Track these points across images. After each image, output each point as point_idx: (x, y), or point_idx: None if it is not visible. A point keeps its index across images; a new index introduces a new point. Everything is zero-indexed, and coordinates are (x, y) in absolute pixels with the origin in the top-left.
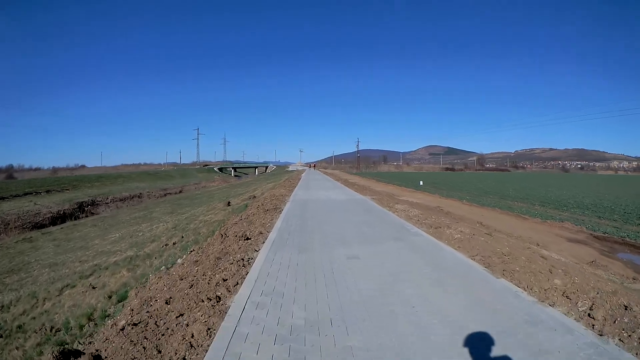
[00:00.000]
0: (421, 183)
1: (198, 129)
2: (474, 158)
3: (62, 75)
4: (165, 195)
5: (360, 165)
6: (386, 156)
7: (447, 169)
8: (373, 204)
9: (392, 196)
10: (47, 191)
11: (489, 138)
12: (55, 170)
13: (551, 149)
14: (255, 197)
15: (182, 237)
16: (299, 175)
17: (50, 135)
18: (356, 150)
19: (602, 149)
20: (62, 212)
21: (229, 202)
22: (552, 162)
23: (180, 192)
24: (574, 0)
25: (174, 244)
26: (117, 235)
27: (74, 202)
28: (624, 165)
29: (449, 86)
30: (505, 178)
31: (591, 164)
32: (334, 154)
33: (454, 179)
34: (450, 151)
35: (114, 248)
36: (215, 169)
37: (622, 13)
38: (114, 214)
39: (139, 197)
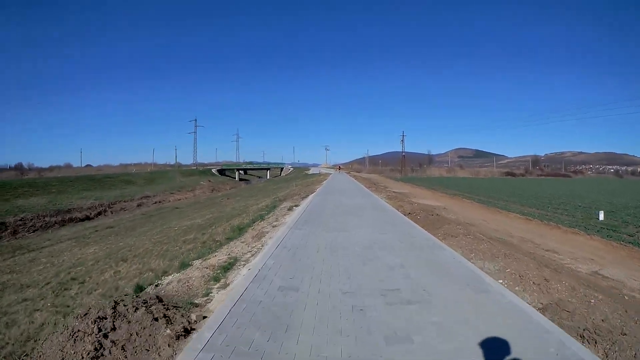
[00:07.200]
0: (601, 217)
1: (195, 119)
2: (504, 161)
3: (71, 72)
4: (55, 223)
5: (404, 169)
6: (431, 157)
7: (507, 173)
8: None
9: None
10: None
11: (513, 140)
12: (22, 171)
13: (581, 153)
14: None
15: None
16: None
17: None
18: (399, 150)
19: (629, 152)
20: None
21: None
22: (584, 167)
23: (99, 214)
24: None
25: None
26: None
27: None
28: None
29: (471, 86)
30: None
31: (624, 168)
32: (368, 154)
33: (597, 193)
34: (479, 154)
35: None
36: (213, 170)
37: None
38: None
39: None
